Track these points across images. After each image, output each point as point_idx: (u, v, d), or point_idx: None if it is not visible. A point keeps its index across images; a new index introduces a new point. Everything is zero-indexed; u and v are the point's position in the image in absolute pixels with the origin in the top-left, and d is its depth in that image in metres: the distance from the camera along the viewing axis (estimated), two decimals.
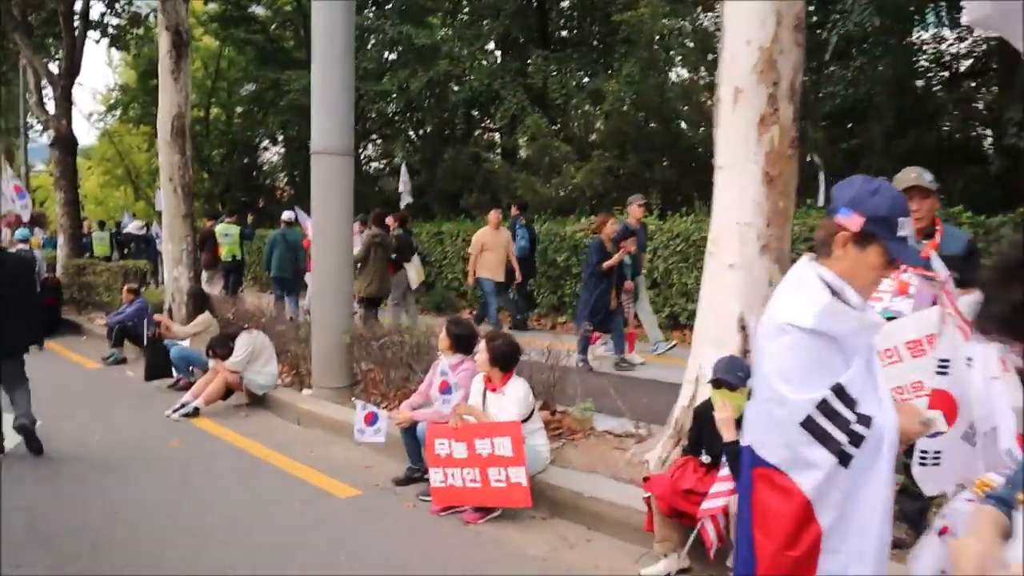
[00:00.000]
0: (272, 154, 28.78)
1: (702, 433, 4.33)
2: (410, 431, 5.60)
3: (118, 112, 31.39)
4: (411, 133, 21.69)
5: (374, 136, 24.05)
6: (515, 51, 16.91)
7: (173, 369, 9.41)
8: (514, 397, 5.13)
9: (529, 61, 16.29)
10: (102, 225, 22.24)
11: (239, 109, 27.85)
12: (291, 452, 6.67)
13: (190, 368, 9.15)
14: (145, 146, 33.07)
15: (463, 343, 5.67)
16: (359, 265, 10.31)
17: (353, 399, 6.48)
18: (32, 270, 7.47)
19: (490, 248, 10.87)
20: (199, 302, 9.45)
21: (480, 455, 4.93)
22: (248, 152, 27.52)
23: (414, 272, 11.13)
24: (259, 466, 6.37)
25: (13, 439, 6.72)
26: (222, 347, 8.00)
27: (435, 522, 5.05)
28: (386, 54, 19.72)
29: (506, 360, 5.19)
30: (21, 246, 12.16)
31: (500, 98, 15.79)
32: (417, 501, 5.38)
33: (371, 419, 5.71)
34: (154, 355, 9.52)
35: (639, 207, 9.85)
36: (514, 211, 12.61)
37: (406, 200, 11.85)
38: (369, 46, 18.90)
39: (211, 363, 8.16)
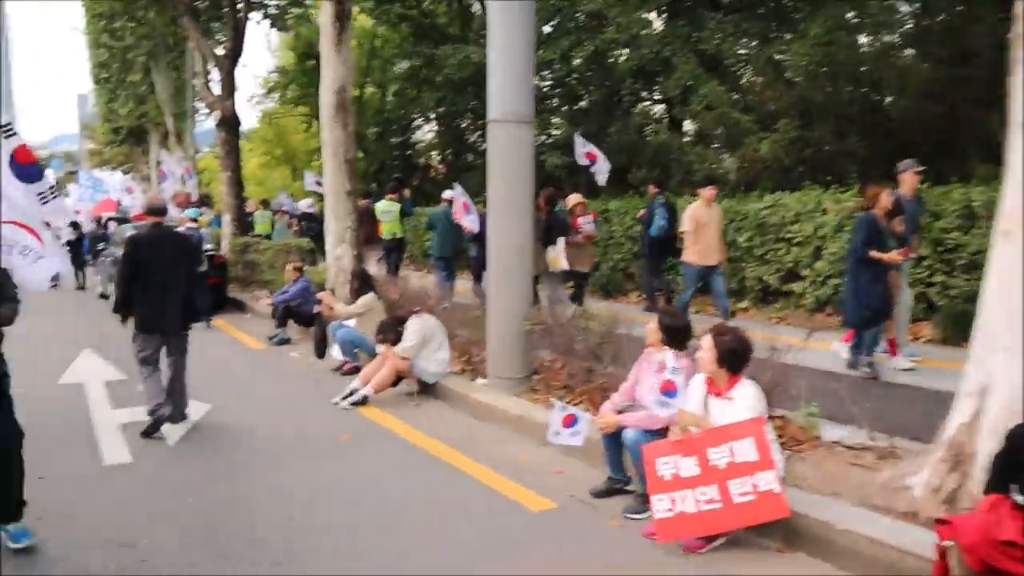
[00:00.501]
0: (425, 132, 28.65)
1: (1017, 466, 3.35)
2: (613, 437, 4.83)
3: (277, 94, 32.15)
4: (567, 107, 20.87)
5: None
6: (683, 15, 15.71)
7: (334, 350, 9.10)
8: (745, 404, 4.26)
9: (700, 26, 15.06)
10: (265, 204, 22.66)
11: (392, 88, 27.83)
12: (469, 450, 6.06)
13: (355, 351, 8.77)
14: (302, 127, 33.82)
15: (677, 337, 4.85)
16: None
17: (551, 400, 5.79)
18: (196, 248, 7.44)
19: (704, 225, 9.65)
20: (363, 282, 9.02)
21: (717, 467, 4.08)
22: (401, 130, 27.46)
23: (551, 255, 10.42)
24: (436, 466, 5.79)
25: (177, 431, 6.49)
26: (391, 332, 7.50)
27: (649, 548, 4.26)
28: (542, 27, 18.99)
29: (737, 360, 4.33)
30: (191, 224, 12.22)
31: (670, 66, 14.72)
32: (623, 519, 4.62)
33: (570, 421, 4.98)
34: (320, 333, 9.31)
35: (914, 175, 7.86)
36: (652, 189, 11.72)
37: (603, 175, 10.70)
38: None
39: (379, 348, 7.69)
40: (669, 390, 4.37)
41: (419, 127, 28.39)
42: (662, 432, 4.57)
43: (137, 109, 30.55)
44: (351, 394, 7.37)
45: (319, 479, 5.50)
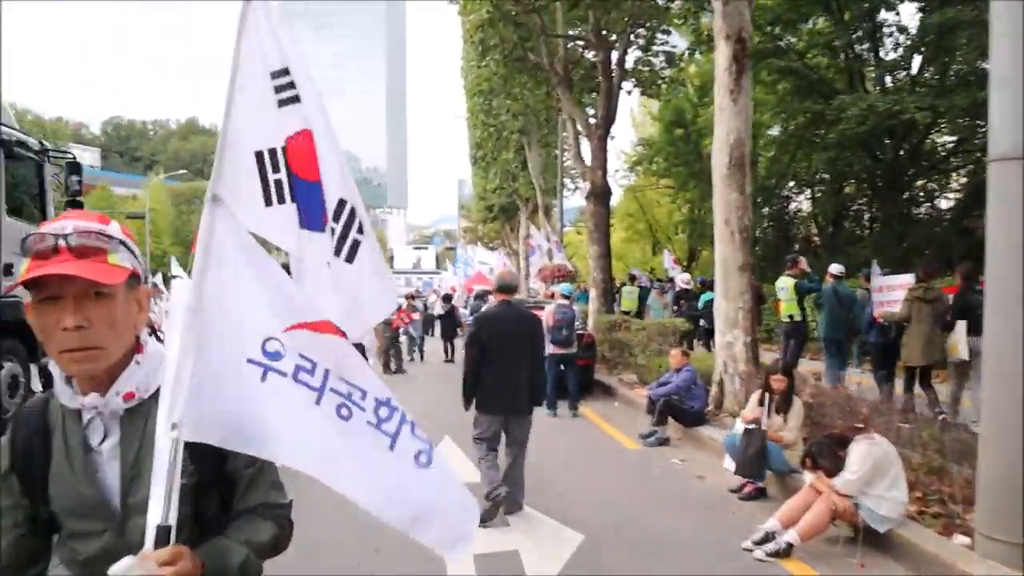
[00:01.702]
0: (801, 200, 26.10)
1: None
2: None
3: (641, 168, 31.64)
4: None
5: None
6: None
7: (728, 461, 7.25)
8: None
9: None
10: (632, 279, 21.67)
11: (766, 155, 25.84)
12: None
13: (764, 471, 6.81)
14: (666, 200, 33.00)
15: None
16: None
17: None
18: (540, 328, 6.85)
19: None
20: (792, 381, 6.99)
21: None
22: (773, 200, 25.29)
23: (951, 341, 8.66)
24: None
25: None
26: (828, 457, 5.45)
27: None
28: None
29: None
30: (562, 301, 11.17)
31: None
32: None
33: None
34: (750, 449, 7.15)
35: None
36: None
37: None
38: None
39: (807, 476, 5.67)
40: None
41: (793, 196, 25.92)
42: None
43: (508, 186, 31.76)
44: (767, 538, 5.42)
45: None
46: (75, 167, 8.88)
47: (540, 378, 6.38)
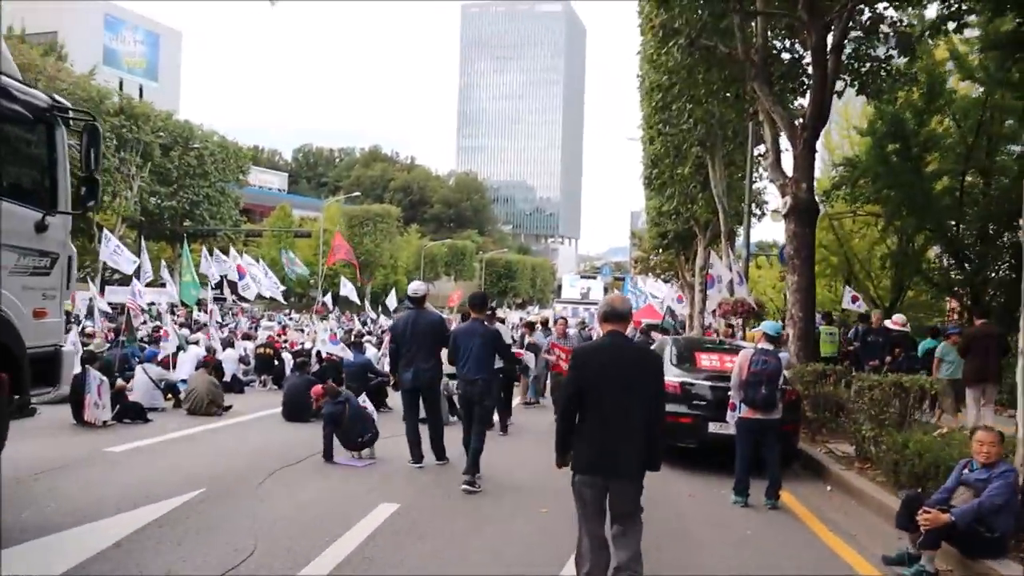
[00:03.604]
0: None
1: None
2: None
3: (840, 192, 27.41)
4: None
5: None
6: None
7: None
8: None
9: None
10: (828, 318, 17.94)
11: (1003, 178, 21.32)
12: None
13: None
14: (865, 231, 28.64)
15: None
16: None
17: None
18: (661, 369, 5.24)
19: None
20: None
21: None
22: (1016, 225, 20.72)
23: None
24: None
25: None
26: None
27: None
28: None
29: None
30: (764, 345, 7.89)
31: None
32: None
33: None
34: None
35: None
36: None
37: None
38: None
39: None
40: None
41: None
42: None
43: (685, 210, 28.61)
44: None
45: None
46: (94, 134, 6.56)
47: (656, 433, 4.93)
